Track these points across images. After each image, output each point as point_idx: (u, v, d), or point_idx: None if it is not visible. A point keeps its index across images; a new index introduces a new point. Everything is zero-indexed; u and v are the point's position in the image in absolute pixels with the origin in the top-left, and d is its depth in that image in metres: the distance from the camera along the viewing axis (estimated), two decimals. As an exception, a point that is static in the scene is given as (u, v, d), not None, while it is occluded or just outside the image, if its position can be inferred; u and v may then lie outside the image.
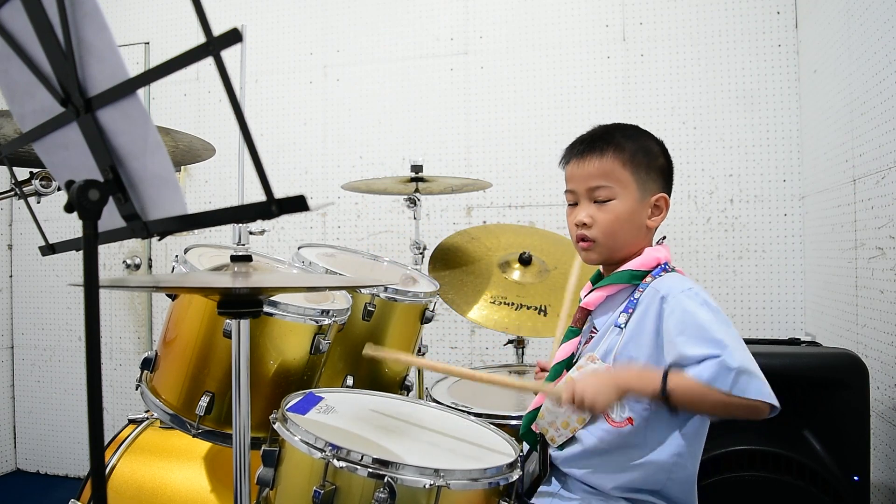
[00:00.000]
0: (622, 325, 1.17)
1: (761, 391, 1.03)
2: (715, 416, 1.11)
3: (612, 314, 1.22)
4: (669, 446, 1.14)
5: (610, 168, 1.22)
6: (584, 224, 1.23)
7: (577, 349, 1.26)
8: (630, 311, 1.17)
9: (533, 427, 1.27)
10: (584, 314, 1.27)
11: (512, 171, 2.80)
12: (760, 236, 2.55)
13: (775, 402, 1.04)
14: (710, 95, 2.59)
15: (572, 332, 1.27)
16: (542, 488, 1.25)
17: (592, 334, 1.26)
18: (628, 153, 1.23)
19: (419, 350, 2.14)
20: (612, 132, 1.26)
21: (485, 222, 2.81)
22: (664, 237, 1.29)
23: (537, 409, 1.26)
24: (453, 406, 1.62)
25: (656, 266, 1.20)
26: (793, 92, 2.51)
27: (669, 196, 1.27)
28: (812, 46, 2.36)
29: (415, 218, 2.25)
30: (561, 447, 1.22)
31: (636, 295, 1.18)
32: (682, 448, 1.15)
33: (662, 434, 1.14)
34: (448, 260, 2.18)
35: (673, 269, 1.21)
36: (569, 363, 1.24)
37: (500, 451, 1.28)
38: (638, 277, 1.20)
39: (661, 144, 1.29)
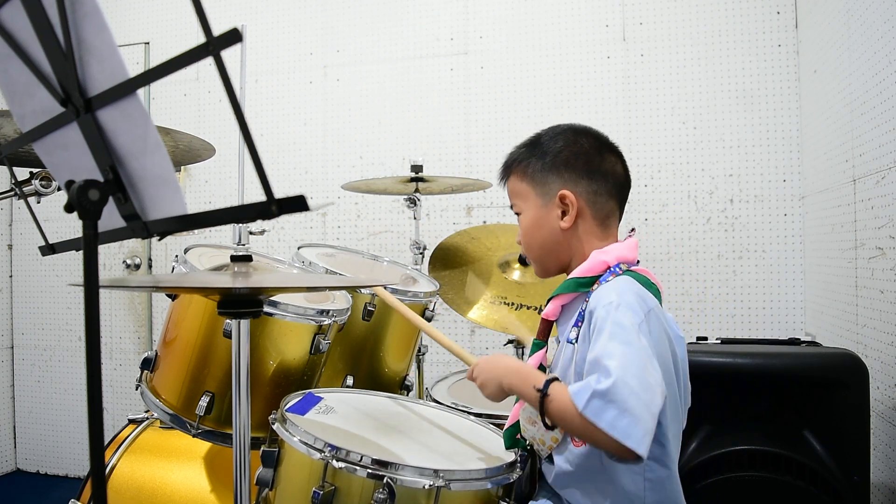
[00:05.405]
0: (573, 341, 1.10)
1: (615, 425, 0.90)
2: (583, 440, 1.05)
3: (568, 327, 1.15)
4: (631, 471, 1.07)
5: (513, 185, 1.26)
6: (519, 242, 1.28)
7: (547, 362, 1.21)
8: (579, 324, 1.10)
9: (518, 437, 1.23)
10: (546, 325, 1.20)
11: (512, 171, 2.79)
12: (760, 236, 2.55)
13: (633, 446, 0.90)
14: (710, 95, 2.59)
15: (536, 346, 1.21)
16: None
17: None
18: (524, 164, 1.23)
19: (419, 350, 2.14)
20: (518, 148, 1.26)
21: (485, 222, 2.81)
22: (633, 229, 1.22)
23: (516, 424, 1.21)
24: (453, 406, 1.62)
25: (605, 270, 1.12)
26: (793, 92, 2.51)
27: (599, 185, 1.18)
28: (812, 46, 2.36)
29: (415, 218, 2.25)
30: (550, 460, 1.18)
31: (584, 305, 1.10)
32: (648, 472, 1.07)
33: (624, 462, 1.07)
34: (448, 260, 2.18)
35: (626, 271, 1.11)
36: None
37: (500, 451, 1.28)
38: (585, 285, 1.12)
39: (567, 136, 1.20)
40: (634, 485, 1.07)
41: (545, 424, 1.03)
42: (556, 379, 1.04)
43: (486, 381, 1.16)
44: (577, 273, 1.14)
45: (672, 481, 1.10)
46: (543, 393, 1.01)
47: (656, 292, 1.11)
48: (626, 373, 0.93)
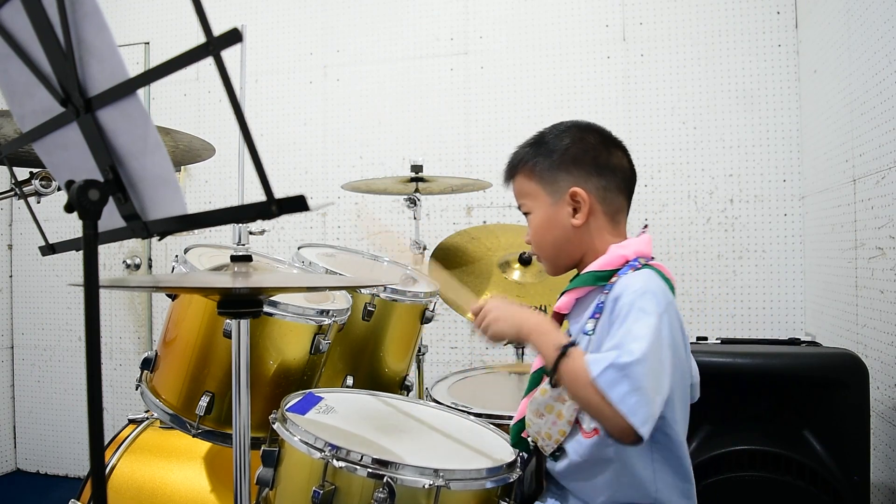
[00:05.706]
0: (590, 332, 1.10)
1: (624, 400, 0.93)
2: (587, 410, 1.05)
3: (583, 319, 1.14)
4: (645, 460, 1.08)
5: (520, 185, 1.25)
6: (528, 242, 1.27)
7: None
8: (597, 315, 1.10)
9: (524, 435, 1.23)
10: (558, 319, 1.20)
11: (512, 171, 2.79)
12: (760, 236, 2.55)
13: (637, 424, 0.93)
14: (710, 95, 2.59)
15: None
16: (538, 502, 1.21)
17: None
18: (531, 163, 1.21)
19: (419, 350, 2.14)
20: (523, 147, 1.25)
21: (485, 222, 2.81)
22: (646, 225, 1.23)
23: (522, 420, 1.21)
24: (453, 406, 1.62)
25: (624, 264, 1.12)
26: (793, 92, 2.51)
27: (608, 180, 1.17)
28: (812, 46, 2.36)
29: (415, 218, 2.25)
30: (555, 458, 1.17)
31: (602, 298, 1.10)
32: (660, 461, 1.09)
33: (634, 448, 1.06)
34: (448, 260, 2.18)
35: (645, 266, 1.11)
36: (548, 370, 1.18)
37: (500, 451, 1.28)
38: (603, 278, 1.12)
39: (573, 133, 1.20)
40: (644, 474, 1.08)
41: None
42: (572, 342, 1.05)
43: (500, 317, 1.14)
44: (595, 266, 1.14)
45: (685, 468, 1.11)
46: (562, 353, 1.02)
47: (671, 287, 1.12)
48: (647, 355, 0.96)
